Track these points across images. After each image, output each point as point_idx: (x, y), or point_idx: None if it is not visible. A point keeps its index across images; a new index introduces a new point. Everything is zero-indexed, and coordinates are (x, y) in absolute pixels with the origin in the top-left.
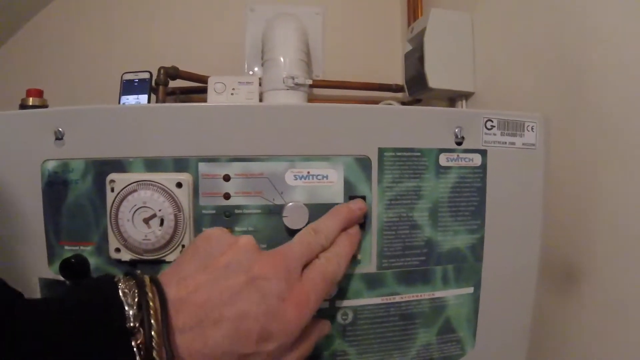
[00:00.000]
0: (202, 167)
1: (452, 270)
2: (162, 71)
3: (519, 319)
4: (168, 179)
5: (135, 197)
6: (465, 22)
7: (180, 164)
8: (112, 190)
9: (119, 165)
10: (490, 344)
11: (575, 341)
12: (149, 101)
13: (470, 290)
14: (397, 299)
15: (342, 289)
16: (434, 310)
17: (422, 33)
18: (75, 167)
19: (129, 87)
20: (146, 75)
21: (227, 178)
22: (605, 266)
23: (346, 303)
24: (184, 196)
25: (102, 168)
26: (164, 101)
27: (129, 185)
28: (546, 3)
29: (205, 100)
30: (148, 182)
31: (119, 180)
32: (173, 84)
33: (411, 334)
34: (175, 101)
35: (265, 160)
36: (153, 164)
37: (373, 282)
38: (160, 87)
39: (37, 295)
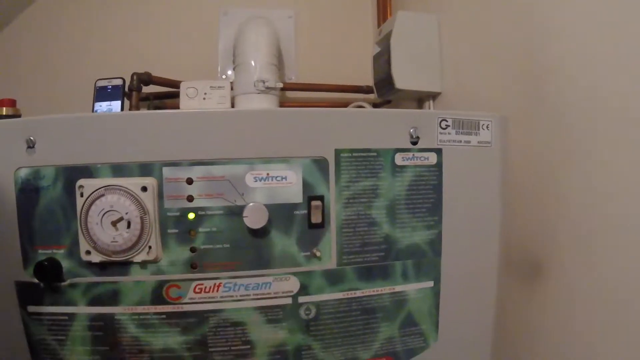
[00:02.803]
0: (166, 172)
1: (412, 265)
2: (135, 77)
3: (481, 312)
4: (134, 183)
5: (103, 201)
6: (431, 23)
7: (145, 169)
8: (82, 195)
9: (88, 171)
10: (453, 336)
11: (542, 332)
12: (122, 107)
13: (431, 284)
14: (358, 293)
15: (304, 285)
16: (395, 304)
17: (389, 35)
18: (46, 174)
19: (102, 94)
20: (119, 82)
21: (190, 181)
22: (567, 260)
23: (308, 299)
24: (149, 199)
25: (72, 174)
26: (137, 107)
27: (97, 190)
28: (509, 5)
29: (178, 105)
30: (115, 186)
31: (87, 185)
32: (147, 89)
33: (374, 328)
34: (149, 106)
35: (226, 163)
36: (119, 170)
37: (334, 278)
38: (134, 93)
39: (15, 298)
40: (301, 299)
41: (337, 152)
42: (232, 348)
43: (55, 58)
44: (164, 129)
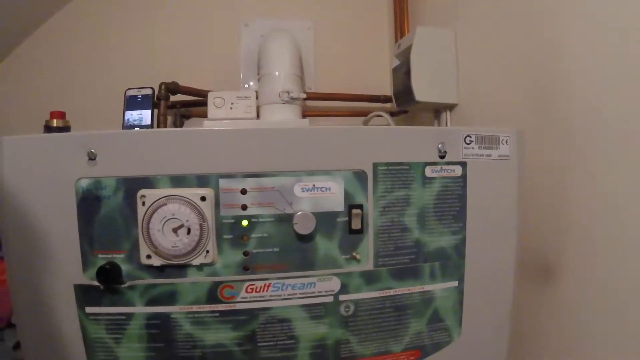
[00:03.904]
0: (222, 183)
1: (439, 267)
2: (163, 87)
3: (500, 309)
4: (194, 193)
5: (165, 209)
6: (448, 38)
7: (202, 180)
8: (144, 204)
9: (148, 182)
10: (475, 331)
11: (552, 331)
12: (152, 117)
13: (455, 283)
14: (392, 292)
15: (344, 285)
16: (424, 302)
17: (408, 49)
18: (107, 184)
19: (132, 103)
20: (149, 92)
21: (244, 191)
22: (576, 263)
23: (348, 297)
24: (207, 208)
25: (132, 185)
26: (165, 115)
27: (159, 199)
28: (522, 21)
29: (204, 113)
30: (176, 196)
31: (149, 195)
32: (173, 98)
33: (405, 323)
34: (176, 115)
35: (276, 175)
36: (179, 181)
37: (371, 278)
38: (162, 102)
39: (73, 300)
40: (341, 297)
41: (375, 166)
42: (279, 343)
43: (78, 68)
44: (220, 144)
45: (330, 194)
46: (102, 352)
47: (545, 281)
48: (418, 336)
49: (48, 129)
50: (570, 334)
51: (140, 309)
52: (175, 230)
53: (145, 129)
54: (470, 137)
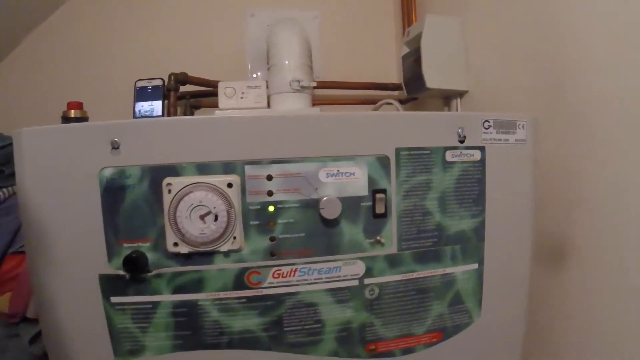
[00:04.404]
0: (248, 169)
1: (459, 250)
2: (172, 77)
3: (517, 290)
4: (220, 180)
5: (191, 197)
6: (458, 26)
7: (228, 167)
8: (170, 192)
9: (173, 170)
10: (494, 312)
11: (563, 313)
12: (163, 108)
13: (475, 266)
14: (415, 275)
15: (369, 269)
16: (445, 285)
17: (418, 37)
18: (132, 173)
19: (142, 94)
20: (159, 82)
21: (269, 178)
22: (588, 247)
23: (372, 280)
24: (234, 194)
25: (157, 173)
26: (175, 106)
27: (185, 187)
28: (531, 8)
29: (214, 103)
30: (203, 183)
31: (175, 183)
32: (182, 89)
33: (427, 306)
34: (186, 105)
35: (302, 161)
36: (204, 168)
37: (394, 262)
38: (172, 93)
39: (98, 290)
40: (366, 281)
41: (397, 151)
42: (305, 327)
43: (85, 58)
44: (245, 131)
45: (355, 179)
46: (128, 342)
47: (556, 265)
48: (440, 318)
49: (66, 119)
50: (580, 315)
51: (167, 297)
52: (202, 217)
53: (169, 118)
54: (489, 122)
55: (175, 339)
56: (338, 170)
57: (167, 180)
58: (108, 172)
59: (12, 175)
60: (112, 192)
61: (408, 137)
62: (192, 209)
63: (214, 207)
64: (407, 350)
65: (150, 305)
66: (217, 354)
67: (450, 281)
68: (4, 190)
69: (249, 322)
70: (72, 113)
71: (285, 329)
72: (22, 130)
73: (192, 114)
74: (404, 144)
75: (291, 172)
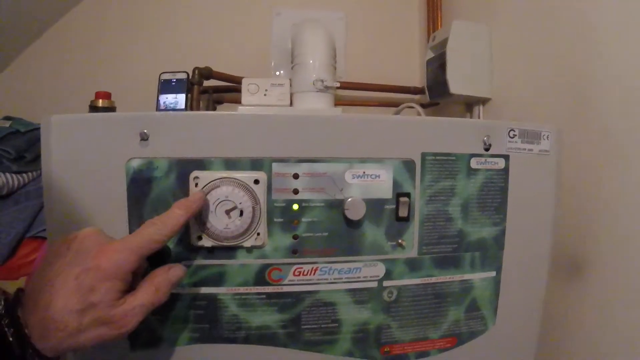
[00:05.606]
0: (275, 167)
1: (479, 257)
2: (196, 71)
3: (533, 300)
4: (247, 176)
5: (218, 191)
6: (484, 33)
7: (256, 164)
8: (197, 185)
9: (201, 164)
10: (508, 321)
11: (578, 324)
12: (186, 101)
13: (493, 274)
14: (433, 280)
15: (388, 271)
16: (463, 291)
17: (444, 42)
18: (159, 165)
19: (166, 87)
20: (183, 76)
21: (296, 176)
22: (607, 260)
23: (391, 283)
24: (260, 191)
25: (185, 166)
26: (198, 100)
27: (212, 181)
28: (557, 18)
29: (237, 99)
30: (230, 179)
31: (202, 177)
32: (205, 83)
33: (443, 311)
34: (209, 100)
35: (329, 161)
36: (232, 164)
37: (414, 266)
38: (195, 87)
39: None
40: (385, 283)
41: (423, 155)
42: (322, 326)
43: (109, 51)
44: (273, 128)
45: (380, 182)
46: (146, 333)
47: (574, 275)
48: (455, 324)
49: (94, 109)
50: (596, 327)
51: (188, 290)
52: (227, 212)
53: (198, 112)
54: (514, 131)
55: (193, 332)
56: (364, 172)
57: (194, 173)
58: (136, 163)
59: (34, 160)
60: (139, 183)
61: (434, 142)
62: (218, 204)
63: (240, 203)
64: (421, 354)
65: (170, 298)
66: (233, 349)
67: (467, 287)
68: (25, 175)
69: (268, 318)
70: (100, 103)
71: (302, 326)
72: (52, 118)
73: (215, 108)
74: (430, 149)
75: (318, 171)
